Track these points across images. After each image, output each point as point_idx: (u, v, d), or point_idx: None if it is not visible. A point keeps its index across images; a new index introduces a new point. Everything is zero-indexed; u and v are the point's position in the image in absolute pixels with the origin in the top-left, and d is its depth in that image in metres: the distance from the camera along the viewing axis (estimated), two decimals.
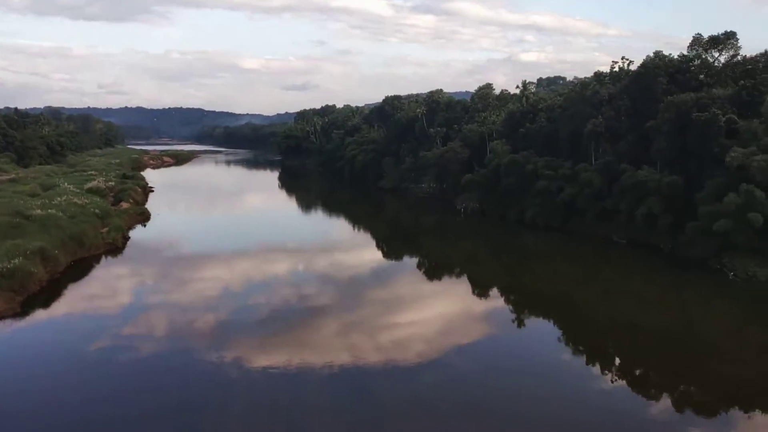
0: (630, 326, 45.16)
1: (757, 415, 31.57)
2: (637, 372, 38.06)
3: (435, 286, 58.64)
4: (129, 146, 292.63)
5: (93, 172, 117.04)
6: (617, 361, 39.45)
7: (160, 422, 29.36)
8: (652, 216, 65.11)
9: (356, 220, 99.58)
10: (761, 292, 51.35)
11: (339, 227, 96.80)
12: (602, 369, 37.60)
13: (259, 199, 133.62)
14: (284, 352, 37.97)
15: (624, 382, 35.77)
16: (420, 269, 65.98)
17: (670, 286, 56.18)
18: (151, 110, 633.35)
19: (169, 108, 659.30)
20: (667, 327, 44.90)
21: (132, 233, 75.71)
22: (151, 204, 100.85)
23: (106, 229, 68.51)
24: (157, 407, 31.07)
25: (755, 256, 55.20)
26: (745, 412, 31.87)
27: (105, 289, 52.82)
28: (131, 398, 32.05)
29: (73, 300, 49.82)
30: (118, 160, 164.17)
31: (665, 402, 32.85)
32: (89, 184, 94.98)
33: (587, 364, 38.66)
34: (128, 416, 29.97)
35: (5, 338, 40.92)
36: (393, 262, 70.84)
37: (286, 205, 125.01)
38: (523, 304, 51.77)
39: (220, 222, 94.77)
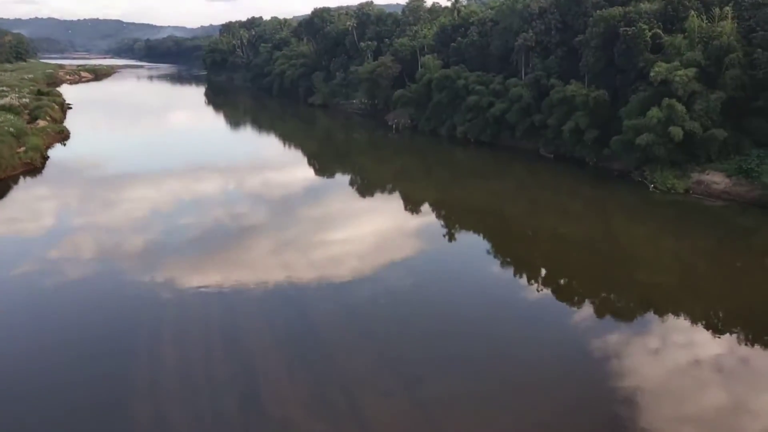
0: (556, 237, 46.81)
1: (670, 318, 33.59)
2: (562, 281, 39.69)
3: (367, 203, 58.94)
4: (42, 60, 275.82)
5: (4, 88, 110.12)
6: (543, 272, 40.98)
7: (91, 346, 29.02)
8: (579, 130, 66.54)
9: (287, 138, 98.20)
10: (678, 203, 53.79)
11: (269, 145, 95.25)
12: (529, 280, 39.05)
13: (186, 116, 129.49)
14: (217, 271, 37.80)
15: (549, 291, 37.28)
16: (352, 186, 66.02)
17: (593, 198, 58.18)
18: (65, 21, 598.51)
19: (85, 19, 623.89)
20: (590, 237, 46.80)
21: (51, 152, 72.62)
22: (71, 122, 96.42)
23: (22, 149, 65.38)
24: (87, 330, 30.64)
25: (674, 168, 57.47)
26: (660, 316, 33.83)
27: (26, 212, 50.89)
28: (59, 323, 31.49)
29: None
30: (31, 76, 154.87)
31: (587, 309, 34.48)
32: (1, 101, 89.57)
33: (515, 275, 40.04)
34: (57, 341, 29.49)
35: None
36: (325, 179, 70.60)
37: (213, 122, 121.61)
38: (454, 219, 52.76)
39: (145, 140, 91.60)
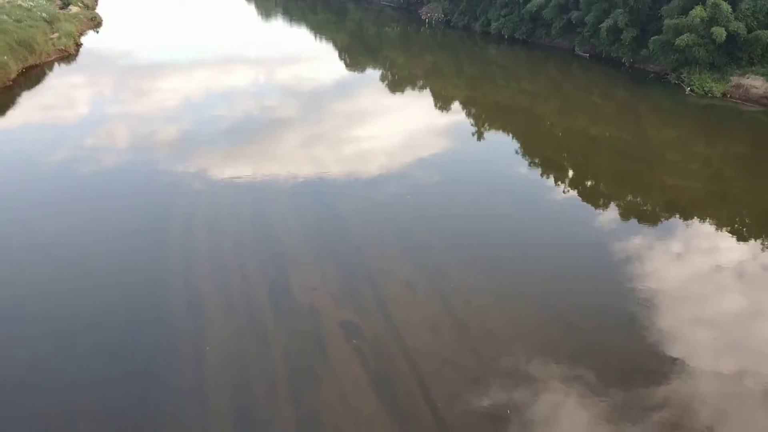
0: (586, 139, 46.55)
1: (695, 222, 33.84)
2: (588, 184, 39.82)
3: (397, 99, 58.62)
4: None
5: None
6: (571, 172, 41.06)
7: (125, 227, 30.27)
8: (617, 29, 64.39)
9: (317, 30, 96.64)
10: (714, 108, 52.67)
11: (300, 37, 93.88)
12: (556, 180, 39.18)
13: (216, 5, 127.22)
14: (248, 163, 38.57)
15: (575, 192, 37.48)
16: (382, 82, 65.43)
17: (627, 100, 57.14)
18: None
19: None
20: (621, 139, 46.42)
21: (84, 40, 72.62)
22: (102, 8, 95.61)
23: (56, 35, 65.40)
24: (122, 213, 31.80)
25: (713, 71, 55.84)
26: (684, 220, 34.08)
27: (61, 99, 51.69)
28: (96, 204, 32.69)
29: (29, 109, 48.86)
30: None
31: (612, 212, 34.73)
32: None
33: (542, 175, 40.12)
34: (94, 222, 30.78)
35: None
36: (355, 74, 69.94)
37: (244, 12, 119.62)
38: (484, 118, 52.48)
39: (177, 29, 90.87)
